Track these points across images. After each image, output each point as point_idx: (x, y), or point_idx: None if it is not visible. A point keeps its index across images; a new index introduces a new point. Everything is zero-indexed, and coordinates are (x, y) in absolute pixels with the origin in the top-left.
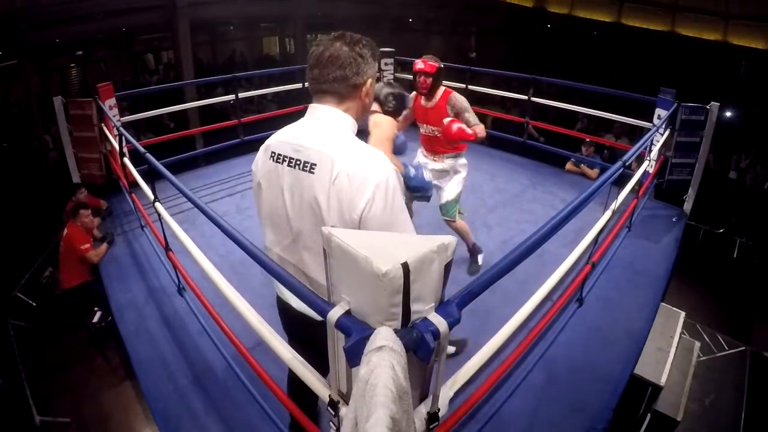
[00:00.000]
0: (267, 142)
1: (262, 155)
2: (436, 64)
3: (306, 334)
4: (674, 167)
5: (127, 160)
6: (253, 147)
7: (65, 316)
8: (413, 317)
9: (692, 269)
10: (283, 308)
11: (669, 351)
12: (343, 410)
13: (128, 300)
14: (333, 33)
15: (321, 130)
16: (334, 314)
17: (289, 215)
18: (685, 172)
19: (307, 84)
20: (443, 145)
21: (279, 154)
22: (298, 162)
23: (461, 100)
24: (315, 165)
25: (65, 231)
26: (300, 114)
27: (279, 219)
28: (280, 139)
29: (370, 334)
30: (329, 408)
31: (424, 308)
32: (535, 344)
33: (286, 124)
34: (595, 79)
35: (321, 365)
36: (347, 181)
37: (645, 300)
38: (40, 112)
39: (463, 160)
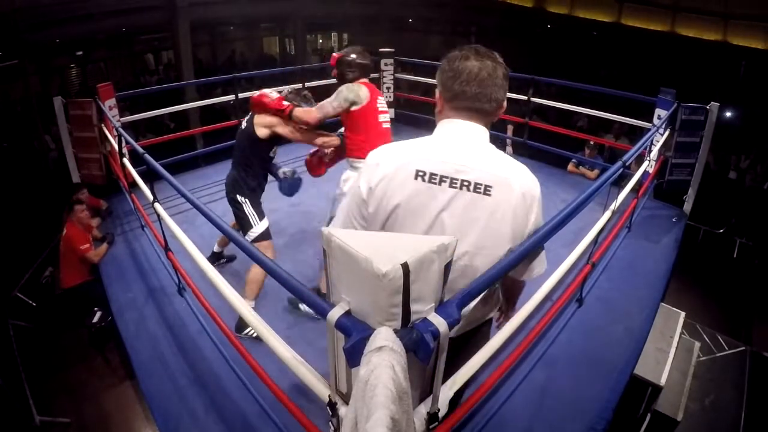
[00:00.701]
0: (398, 160)
1: (398, 174)
2: (338, 55)
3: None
4: (674, 167)
5: (126, 161)
6: None
7: (65, 316)
8: (413, 317)
9: (692, 269)
10: None
11: (669, 351)
12: (343, 410)
13: (128, 300)
14: (473, 47)
15: (478, 148)
16: (334, 314)
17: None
18: (685, 173)
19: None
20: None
21: (433, 174)
22: (466, 183)
23: (339, 89)
24: (491, 187)
25: (64, 231)
26: None
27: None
28: (426, 158)
29: (370, 335)
30: (329, 408)
31: (424, 308)
32: (535, 344)
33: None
34: (596, 79)
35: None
36: (523, 200)
37: (645, 300)
38: (40, 112)
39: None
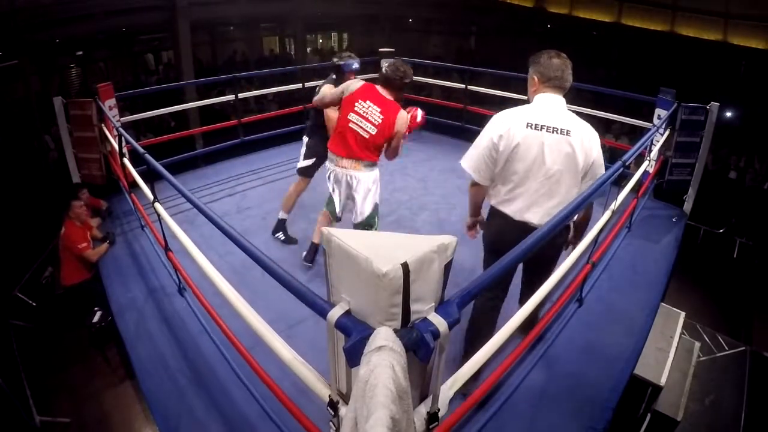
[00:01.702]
0: (515, 118)
1: (515, 125)
2: None
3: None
4: (674, 167)
5: (126, 161)
6: (253, 147)
7: (65, 316)
8: (413, 317)
9: (692, 269)
10: (512, 224)
11: (669, 351)
12: (343, 410)
13: (128, 300)
14: (552, 51)
15: (563, 110)
16: (334, 314)
17: (546, 162)
18: (685, 172)
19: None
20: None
21: (537, 124)
22: (555, 129)
23: None
24: (570, 131)
25: (63, 229)
26: (300, 114)
27: (536, 165)
28: (531, 115)
29: (370, 334)
30: (329, 408)
31: (424, 308)
32: (535, 344)
33: (286, 125)
34: (595, 78)
35: (538, 272)
36: (588, 140)
37: (645, 300)
38: (40, 112)
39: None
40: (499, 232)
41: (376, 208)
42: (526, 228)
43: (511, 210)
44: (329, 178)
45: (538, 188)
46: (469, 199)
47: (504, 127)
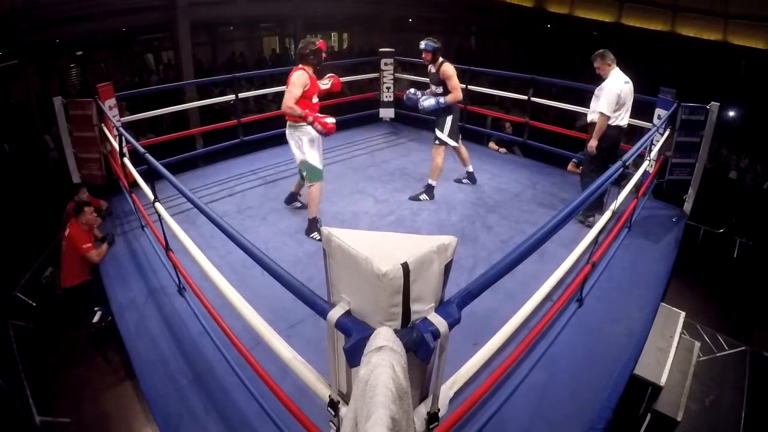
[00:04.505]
0: (620, 81)
1: (622, 83)
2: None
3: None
4: (674, 167)
5: (127, 160)
6: (253, 147)
7: (65, 316)
8: (413, 317)
9: (692, 269)
10: (616, 127)
11: (669, 351)
12: (343, 410)
13: (128, 300)
14: (607, 50)
15: (623, 74)
16: (334, 314)
17: (629, 96)
18: (685, 172)
19: None
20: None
21: (625, 81)
22: (628, 81)
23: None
24: (629, 81)
25: (67, 230)
26: None
27: (627, 99)
28: (623, 77)
29: (370, 334)
30: (329, 408)
31: (424, 308)
32: (535, 344)
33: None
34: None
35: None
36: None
37: (645, 300)
38: (40, 112)
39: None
40: (610, 134)
41: (303, 163)
42: (621, 127)
43: (616, 122)
44: None
45: (626, 109)
46: (598, 126)
47: (619, 86)
